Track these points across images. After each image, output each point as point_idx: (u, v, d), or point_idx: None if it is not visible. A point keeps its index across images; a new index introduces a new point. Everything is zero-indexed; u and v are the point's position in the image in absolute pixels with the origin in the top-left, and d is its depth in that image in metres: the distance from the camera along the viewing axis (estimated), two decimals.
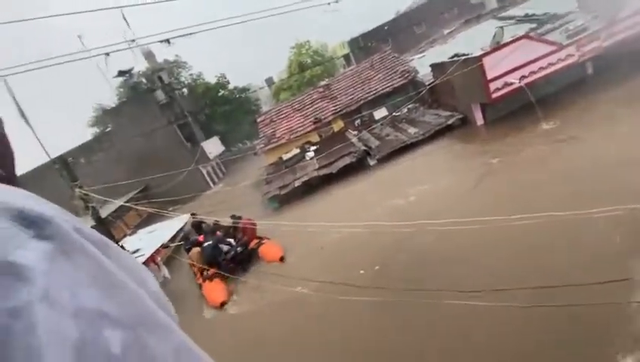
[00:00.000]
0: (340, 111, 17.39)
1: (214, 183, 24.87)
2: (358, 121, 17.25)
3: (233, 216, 10.11)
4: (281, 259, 8.64)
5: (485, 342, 4.35)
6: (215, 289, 8.29)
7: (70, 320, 0.21)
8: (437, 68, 13.59)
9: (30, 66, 5.43)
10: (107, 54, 6.05)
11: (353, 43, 32.66)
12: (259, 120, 19.56)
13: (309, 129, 17.39)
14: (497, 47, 10.18)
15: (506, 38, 10.82)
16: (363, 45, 31.01)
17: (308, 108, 18.44)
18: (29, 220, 0.23)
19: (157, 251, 9.74)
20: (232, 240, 9.68)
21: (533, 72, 9.98)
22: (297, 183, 13.13)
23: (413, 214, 7.38)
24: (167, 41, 6.28)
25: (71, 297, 0.22)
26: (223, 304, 7.85)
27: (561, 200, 5.67)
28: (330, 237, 8.16)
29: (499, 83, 10.14)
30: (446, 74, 11.42)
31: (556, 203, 5.51)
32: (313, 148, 16.46)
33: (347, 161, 13.19)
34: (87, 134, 28.57)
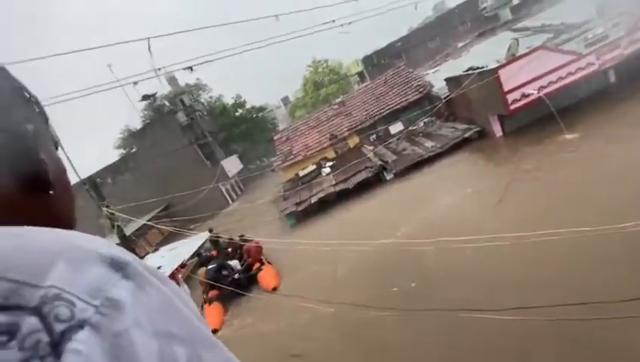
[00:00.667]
0: (355, 127, 17.56)
1: (233, 200, 25.35)
2: (373, 137, 17.31)
3: (241, 237, 10.21)
4: (274, 289, 8.52)
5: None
6: (211, 315, 8.37)
7: (152, 338, 0.29)
8: (452, 81, 13.57)
9: (70, 96, 5.85)
10: (135, 83, 6.46)
11: (367, 60, 33.21)
12: (275, 138, 20.00)
13: (324, 145, 17.60)
14: (513, 58, 10.10)
15: (522, 50, 10.73)
16: (376, 62, 31.47)
17: (323, 125, 18.72)
18: (117, 265, 0.31)
19: (178, 269, 9.95)
20: (237, 262, 9.74)
21: (552, 83, 9.79)
22: (314, 199, 13.19)
23: (434, 230, 7.24)
24: (190, 68, 6.64)
25: (149, 322, 0.29)
26: (214, 331, 7.87)
27: (588, 215, 5.43)
28: (347, 255, 8.08)
29: (516, 94, 9.99)
30: (462, 87, 11.37)
31: (582, 217, 5.29)
32: (329, 164, 16.58)
33: (363, 175, 13.17)
34: (115, 155, 30.03)
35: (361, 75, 34.37)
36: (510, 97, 10.00)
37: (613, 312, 3.61)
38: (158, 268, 9.05)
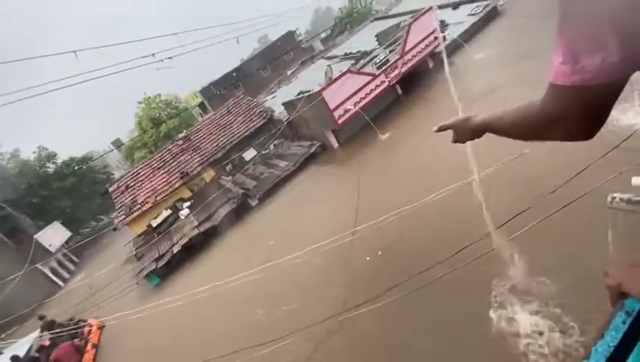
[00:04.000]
0: (207, 160, 16.83)
1: (65, 280, 19.76)
2: (229, 166, 17.04)
3: (50, 324, 7.98)
4: None
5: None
6: None
7: None
8: (288, 105, 14.93)
9: None
10: None
11: (205, 92, 32.62)
12: (112, 189, 16.92)
13: (176, 186, 16.08)
14: (330, 82, 12.00)
15: (336, 74, 12.89)
16: (215, 93, 31.35)
17: (171, 164, 17.12)
18: None
19: None
20: None
21: (363, 98, 12.17)
22: (176, 248, 11.83)
23: (309, 241, 7.64)
24: None
25: None
26: None
27: (408, 195, 6.98)
28: (231, 294, 7.58)
29: (340, 110, 11.90)
30: (297, 109, 12.68)
31: (405, 197, 6.74)
32: (187, 204, 15.26)
33: (228, 208, 12.75)
34: None
35: (202, 106, 33.42)
36: (336, 114, 11.82)
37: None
38: None
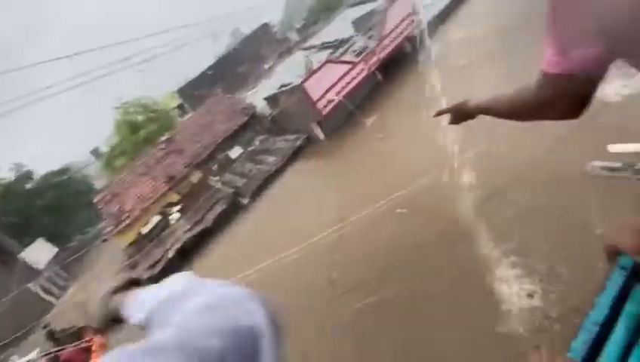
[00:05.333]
0: (192, 162, 16.59)
1: (58, 297, 19.32)
2: (215, 166, 16.86)
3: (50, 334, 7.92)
4: None
5: None
6: None
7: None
8: (270, 99, 14.81)
9: None
10: None
11: (183, 91, 31.85)
12: (97, 199, 16.53)
13: (164, 190, 15.83)
14: (311, 73, 11.96)
15: (315, 64, 12.84)
16: (192, 93, 30.65)
17: (155, 169, 16.80)
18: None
19: None
20: None
21: (344, 87, 12.19)
22: (171, 254, 11.74)
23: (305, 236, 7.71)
24: None
25: None
26: None
27: (398, 179, 7.14)
28: None
29: (324, 101, 11.91)
30: (280, 103, 12.61)
31: (395, 182, 6.90)
32: (177, 208, 15.07)
33: (219, 208, 12.69)
34: None
35: (181, 107, 32.66)
36: (320, 105, 11.83)
37: None
38: None
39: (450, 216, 5.30)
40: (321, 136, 13.42)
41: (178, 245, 12.01)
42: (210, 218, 12.45)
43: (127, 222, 14.90)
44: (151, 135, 28.12)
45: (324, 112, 12.00)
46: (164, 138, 19.10)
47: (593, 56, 0.66)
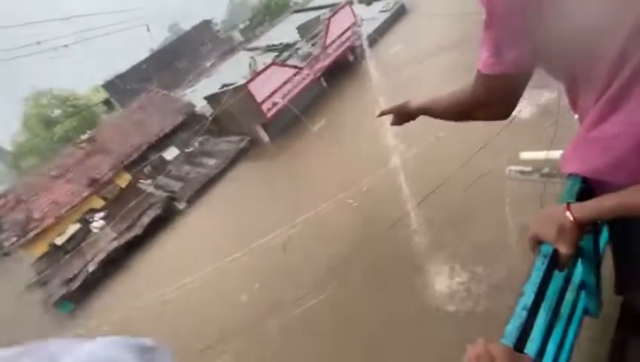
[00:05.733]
0: (120, 163, 14.98)
1: None
2: (148, 168, 15.46)
3: None
4: None
5: None
6: None
7: None
8: (212, 99, 14.12)
9: None
10: None
11: (110, 86, 28.74)
12: None
13: (84, 195, 14.00)
14: (255, 74, 11.71)
15: (260, 66, 12.61)
16: (123, 87, 27.88)
17: (75, 171, 14.80)
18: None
19: None
20: None
21: (290, 91, 12.17)
22: (92, 267, 10.40)
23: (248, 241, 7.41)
24: None
25: None
26: None
27: (341, 182, 7.31)
28: (170, 305, 7.01)
29: (269, 104, 11.72)
30: (222, 103, 12.09)
31: (339, 184, 7.04)
32: (100, 215, 13.46)
33: (152, 214, 11.64)
34: None
35: (108, 103, 29.46)
36: (264, 107, 11.62)
37: None
38: None
39: (391, 214, 5.57)
40: (266, 138, 13.18)
41: (101, 256, 10.69)
42: (140, 225, 11.34)
43: (37, 231, 12.82)
44: (69, 132, 24.82)
45: (269, 115, 11.82)
46: (85, 136, 16.99)
47: (523, 59, 0.71)
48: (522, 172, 3.48)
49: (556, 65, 0.75)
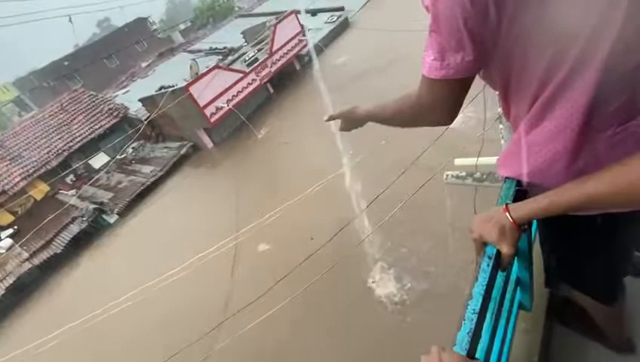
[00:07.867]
0: (34, 172, 13.03)
1: None
2: (71, 177, 13.68)
3: None
4: None
5: None
6: None
7: None
8: (148, 101, 13.06)
9: None
10: None
11: (23, 83, 25.11)
12: None
13: None
14: (197, 77, 11.12)
15: (202, 69, 12.02)
16: (40, 85, 24.51)
17: None
18: None
19: None
20: None
21: (235, 96, 11.77)
22: None
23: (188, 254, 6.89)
24: None
25: None
26: None
27: (289, 189, 7.20)
28: (92, 334, 6.13)
29: (212, 108, 11.19)
30: (160, 106, 11.22)
31: (287, 191, 6.92)
32: (7, 233, 11.52)
33: (75, 229, 10.27)
34: None
35: (20, 102, 25.66)
36: (208, 111, 11.05)
37: None
38: None
39: (338, 221, 5.60)
40: (210, 144, 12.54)
41: (10, 281, 9.09)
42: (59, 242, 9.91)
43: None
44: None
45: (213, 120, 11.27)
46: None
47: (467, 63, 0.70)
48: (458, 176, 3.73)
49: (494, 70, 0.77)
